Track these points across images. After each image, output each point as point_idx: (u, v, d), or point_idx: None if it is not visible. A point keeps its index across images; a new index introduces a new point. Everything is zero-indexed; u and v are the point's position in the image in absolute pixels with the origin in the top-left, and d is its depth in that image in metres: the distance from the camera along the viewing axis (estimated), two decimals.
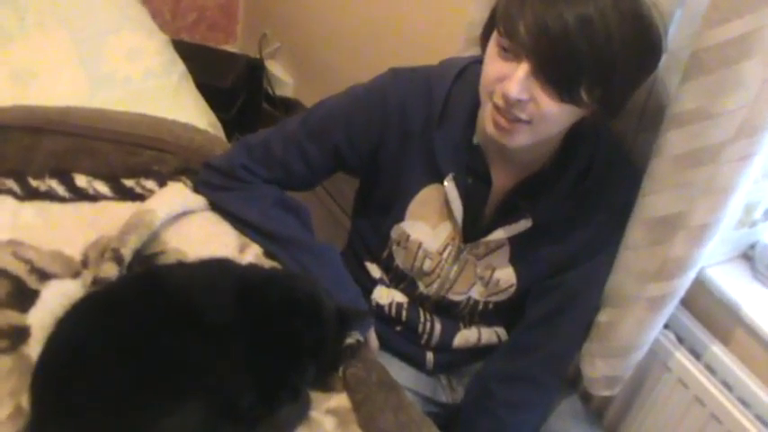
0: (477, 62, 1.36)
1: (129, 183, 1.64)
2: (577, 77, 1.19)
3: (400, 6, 2.31)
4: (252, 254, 1.53)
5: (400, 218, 1.53)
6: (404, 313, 1.65)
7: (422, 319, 1.65)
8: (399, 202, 1.52)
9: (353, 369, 1.40)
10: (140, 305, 1.23)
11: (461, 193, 1.46)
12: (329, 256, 1.57)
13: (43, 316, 1.31)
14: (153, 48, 2.14)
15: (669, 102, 1.36)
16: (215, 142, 1.81)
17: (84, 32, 2.07)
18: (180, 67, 2.18)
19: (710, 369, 1.56)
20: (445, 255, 1.54)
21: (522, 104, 1.23)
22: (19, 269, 1.39)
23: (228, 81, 2.84)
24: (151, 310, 1.21)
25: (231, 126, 2.46)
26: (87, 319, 1.21)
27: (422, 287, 1.61)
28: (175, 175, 1.68)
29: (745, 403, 1.51)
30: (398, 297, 1.65)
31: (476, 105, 1.40)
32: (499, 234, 1.48)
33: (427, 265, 1.56)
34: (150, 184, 1.65)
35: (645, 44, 1.22)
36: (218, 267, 1.37)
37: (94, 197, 1.60)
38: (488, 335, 1.67)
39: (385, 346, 1.64)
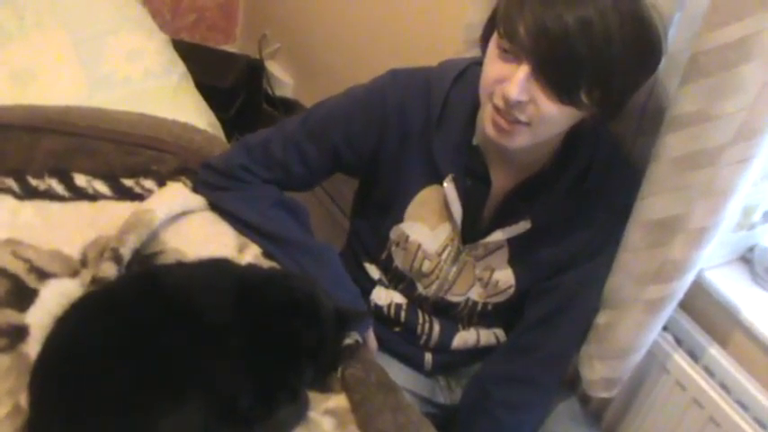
0: (477, 64, 1.36)
1: (128, 182, 1.64)
2: (577, 79, 1.19)
3: (400, 8, 2.32)
4: (251, 254, 1.53)
5: (399, 219, 1.53)
6: (402, 314, 1.65)
7: (420, 320, 1.65)
8: (398, 203, 1.52)
9: (352, 369, 1.40)
10: (139, 305, 1.23)
11: (460, 194, 1.46)
12: (328, 256, 1.57)
13: (42, 315, 1.31)
14: (153, 48, 2.14)
15: (668, 104, 1.36)
16: (214, 142, 1.81)
17: (84, 32, 2.07)
18: (180, 67, 2.18)
19: (709, 371, 1.56)
20: (444, 256, 1.54)
21: (522, 106, 1.23)
22: (18, 268, 1.39)
23: (228, 81, 2.84)
24: (150, 310, 1.21)
25: (231, 126, 2.46)
26: (86, 319, 1.21)
27: (421, 288, 1.61)
28: (175, 175, 1.68)
29: (743, 406, 1.51)
30: (397, 298, 1.65)
31: (475, 107, 1.40)
32: (498, 235, 1.48)
33: (426, 266, 1.56)
34: (149, 183, 1.65)
35: (645, 46, 1.22)
36: (217, 267, 1.37)
37: (94, 197, 1.60)
38: (487, 336, 1.67)
39: (383, 346, 1.64)
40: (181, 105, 2.03)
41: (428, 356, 1.69)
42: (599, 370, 1.59)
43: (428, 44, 2.18)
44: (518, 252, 1.51)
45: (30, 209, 1.54)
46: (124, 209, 1.55)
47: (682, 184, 1.33)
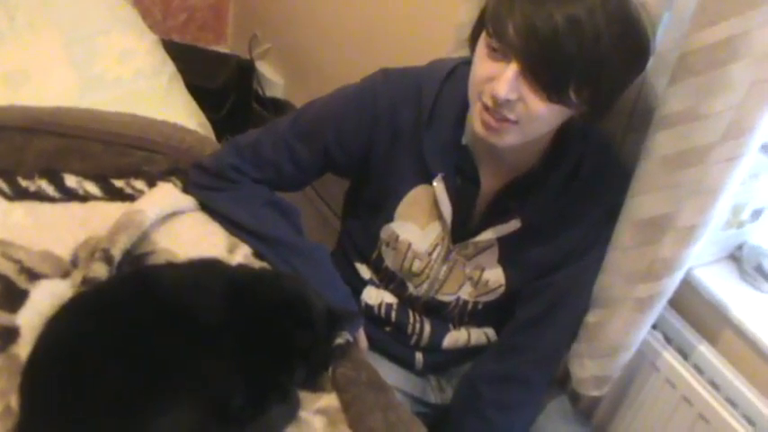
0: (466, 63, 1.36)
1: (119, 183, 1.64)
2: (566, 78, 1.20)
3: (390, 7, 2.32)
4: (241, 254, 1.53)
5: (389, 218, 1.54)
6: (393, 314, 1.65)
7: (411, 320, 1.65)
8: (389, 203, 1.52)
9: (343, 369, 1.41)
10: (130, 305, 1.23)
11: (450, 193, 1.46)
12: (319, 256, 1.57)
13: (32, 316, 1.31)
14: (143, 48, 2.14)
15: (657, 103, 1.36)
16: (205, 143, 1.81)
17: (75, 33, 2.08)
18: (170, 67, 2.18)
19: (698, 369, 1.57)
20: (434, 255, 1.54)
21: (511, 104, 1.23)
22: (8, 269, 1.39)
23: (219, 82, 2.84)
24: (141, 311, 1.21)
25: (221, 127, 2.46)
26: (77, 320, 1.21)
27: (411, 288, 1.61)
28: (165, 175, 1.67)
29: (732, 403, 1.51)
30: (388, 298, 1.66)
31: (465, 106, 1.40)
32: (488, 234, 1.49)
33: (416, 265, 1.56)
34: (140, 184, 1.65)
35: (633, 45, 1.23)
36: (208, 268, 1.37)
37: (84, 197, 1.60)
38: (478, 336, 1.68)
39: (374, 346, 1.64)
40: (171, 106, 2.03)
41: (419, 356, 1.69)
42: (589, 368, 1.60)
43: (419, 44, 2.18)
44: (508, 251, 1.52)
45: (20, 210, 1.53)
46: (115, 209, 1.55)
47: (671, 183, 1.34)
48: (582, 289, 1.55)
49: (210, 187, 1.58)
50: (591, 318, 1.56)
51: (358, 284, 1.66)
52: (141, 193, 1.62)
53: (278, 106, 3.00)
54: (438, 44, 1.79)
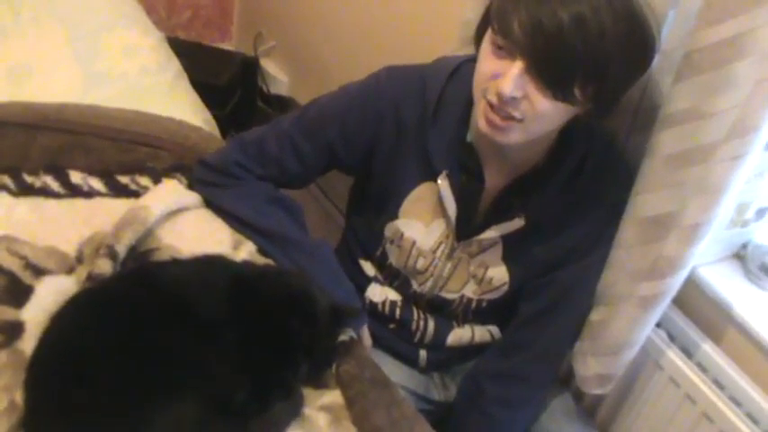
0: (471, 60, 1.36)
1: (123, 179, 1.64)
2: (571, 75, 1.20)
3: (395, 5, 2.32)
4: (246, 251, 1.53)
5: (394, 216, 1.54)
6: (397, 311, 1.65)
7: (415, 318, 1.65)
8: (393, 200, 1.52)
9: (347, 366, 1.41)
10: (134, 302, 1.23)
11: (455, 190, 1.46)
12: (323, 252, 1.57)
13: (37, 312, 1.31)
14: (148, 45, 2.14)
15: (662, 101, 1.36)
16: (209, 139, 1.81)
17: (80, 29, 2.07)
18: (175, 64, 2.18)
19: (702, 368, 1.57)
20: (438, 253, 1.54)
21: (516, 102, 1.23)
22: (13, 265, 1.39)
23: (223, 79, 2.84)
24: (145, 307, 1.22)
25: (226, 123, 2.46)
26: (82, 316, 1.22)
27: (415, 285, 1.61)
28: (170, 171, 1.68)
29: (736, 402, 1.51)
30: (392, 295, 1.66)
31: (469, 103, 1.40)
32: (492, 232, 1.49)
33: (420, 263, 1.56)
34: (145, 180, 1.65)
35: (638, 43, 1.23)
36: (213, 264, 1.38)
37: (89, 193, 1.60)
38: (481, 333, 1.68)
39: (378, 343, 1.64)
40: (176, 102, 2.03)
41: (423, 353, 1.69)
42: (593, 366, 1.59)
43: (423, 42, 2.18)
44: (512, 249, 1.52)
45: (25, 206, 1.54)
46: (120, 206, 1.55)
47: (675, 181, 1.34)
48: (585, 287, 1.55)
49: (215, 184, 1.58)
50: (594, 316, 1.56)
51: (362, 281, 1.66)
52: (146, 189, 1.63)
53: (282, 103, 3.00)
54: (443, 42, 1.79)
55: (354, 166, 1.57)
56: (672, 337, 1.62)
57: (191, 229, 1.54)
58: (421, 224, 1.52)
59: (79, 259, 1.45)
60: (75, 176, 1.62)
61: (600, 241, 1.50)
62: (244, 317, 1.24)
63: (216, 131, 2.02)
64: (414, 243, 1.54)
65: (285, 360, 1.27)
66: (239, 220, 1.56)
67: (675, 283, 1.45)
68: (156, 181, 1.65)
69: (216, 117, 2.14)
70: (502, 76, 1.22)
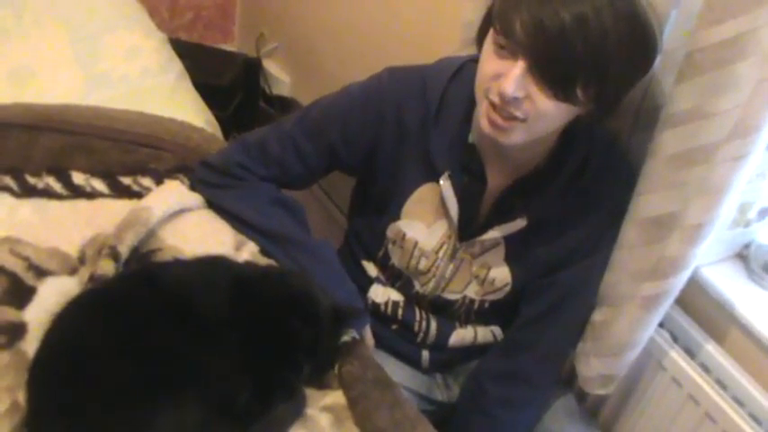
0: (473, 61, 1.36)
1: (126, 180, 1.65)
2: (573, 76, 1.20)
3: (397, 6, 2.32)
4: (248, 252, 1.53)
5: (396, 216, 1.54)
6: (400, 312, 1.65)
7: (418, 318, 1.65)
8: (395, 201, 1.53)
9: (349, 366, 1.40)
10: (137, 302, 1.23)
11: (457, 191, 1.46)
12: (325, 253, 1.57)
13: (40, 313, 1.31)
14: (150, 46, 2.14)
15: (664, 102, 1.36)
16: (212, 140, 1.81)
17: (82, 31, 2.08)
18: (177, 65, 2.18)
19: (705, 368, 1.56)
20: (441, 254, 1.54)
21: (518, 102, 1.23)
22: (16, 266, 1.40)
23: (226, 80, 2.84)
24: (148, 308, 1.22)
25: (228, 124, 2.46)
26: (84, 316, 1.22)
27: (418, 286, 1.61)
28: (172, 172, 1.68)
29: (739, 402, 1.51)
30: (394, 296, 1.66)
31: (471, 104, 1.40)
32: (494, 233, 1.49)
33: (423, 263, 1.56)
34: (147, 181, 1.66)
35: (640, 43, 1.23)
36: (215, 265, 1.38)
37: (92, 194, 1.60)
38: (484, 334, 1.67)
39: (381, 344, 1.64)
40: (178, 103, 2.03)
41: (425, 354, 1.69)
42: (595, 367, 1.59)
43: (425, 43, 2.18)
44: (514, 249, 1.52)
45: (28, 207, 1.54)
46: (122, 207, 1.55)
47: (677, 181, 1.34)
48: (588, 287, 1.55)
49: (217, 185, 1.58)
50: (597, 316, 1.56)
51: (364, 282, 1.66)
52: (148, 190, 1.63)
53: (284, 104, 3.00)
54: (444, 43, 1.78)
55: (356, 167, 1.57)
56: (675, 338, 1.62)
57: (193, 229, 1.54)
58: (423, 225, 1.53)
59: (82, 260, 1.45)
60: (78, 177, 1.62)
61: (602, 242, 1.50)
62: (246, 317, 1.24)
63: (218, 132, 2.02)
64: (416, 244, 1.54)
65: (287, 361, 1.27)
66: (241, 221, 1.56)
67: (678, 283, 1.45)
68: (159, 182, 1.66)
69: (218, 118, 2.14)
70: (504, 76, 1.22)
